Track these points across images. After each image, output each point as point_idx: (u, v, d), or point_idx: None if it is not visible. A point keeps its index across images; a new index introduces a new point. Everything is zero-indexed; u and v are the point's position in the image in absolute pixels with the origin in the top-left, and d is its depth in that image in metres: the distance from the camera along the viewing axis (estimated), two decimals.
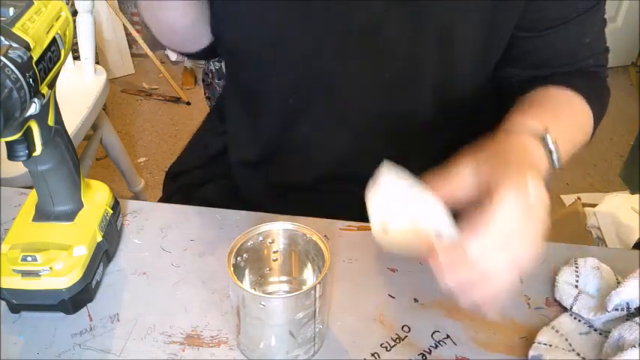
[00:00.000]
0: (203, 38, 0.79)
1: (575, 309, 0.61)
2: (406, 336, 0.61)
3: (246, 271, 0.61)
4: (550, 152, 0.60)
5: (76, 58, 1.68)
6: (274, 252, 0.61)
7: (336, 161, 0.80)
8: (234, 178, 0.88)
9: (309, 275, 0.62)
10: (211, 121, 0.98)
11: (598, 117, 0.75)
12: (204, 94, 1.48)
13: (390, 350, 0.59)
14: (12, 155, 0.57)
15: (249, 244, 0.58)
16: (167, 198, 0.94)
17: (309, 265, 0.61)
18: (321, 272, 0.55)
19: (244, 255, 0.59)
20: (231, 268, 0.54)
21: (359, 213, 0.74)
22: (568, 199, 2.10)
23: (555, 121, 0.64)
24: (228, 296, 0.64)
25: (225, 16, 0.74)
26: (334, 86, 0.74)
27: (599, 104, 0.75)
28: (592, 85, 0.75)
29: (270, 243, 0.60)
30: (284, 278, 0.64)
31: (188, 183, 0.93)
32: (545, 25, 0.72)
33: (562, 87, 0.73)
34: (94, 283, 0.63)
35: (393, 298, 0.64)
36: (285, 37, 0.71)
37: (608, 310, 0.59)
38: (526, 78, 0.76)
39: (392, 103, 0.75)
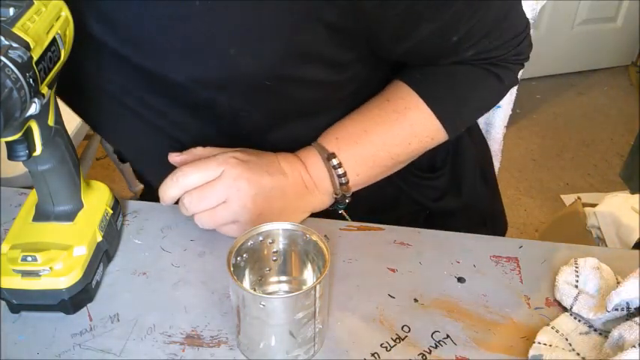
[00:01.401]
0: None
1: (575, 309, 0.61)
2: (406, 336, 0.61)
3: (246, 271, 0.61)
4: (334, 169, 0.70)
5: None
6: (274, 252, 0.61)
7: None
8: None
9: (309, 275, 0.62)
10: None
11: (455, 113, 0.72)
12: None
13: (390, 350, 0.59)
14: (12, 155, 0.57)
15: (249, 244, 0.58)
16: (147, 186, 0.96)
17: (309, 265, 0.61)
18: (321, 272, 0.55)
19: (244, 255, 0.59)
20: (231, 268, 0.54)
21: (358, 213, 0.75)
22: (568, 199, 2.10)
23: (359, 139, 0.70)
24: (228, 296, 0.64)
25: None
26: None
27: (461, 102, 0.73)
28: (460, 80, 0.72)
29: (270, 243, 0.60)
30: (284, 278, 0.64)
31: None
32: (389, 36, 0.66)
33: (408, 88, 0.71)
34: (94, 283, 0.63)
35: (393, 298, 0.64)
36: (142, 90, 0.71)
37: (608, 310, 0.59)
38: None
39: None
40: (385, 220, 0.73)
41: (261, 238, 0.59)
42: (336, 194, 0.72)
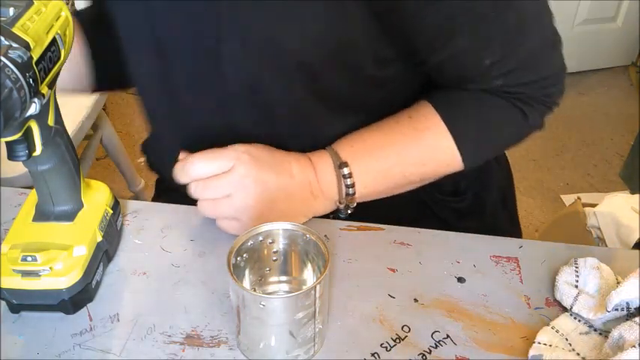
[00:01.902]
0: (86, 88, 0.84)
1: (575, 309, 0.61)
2: (406, 336, 0.61)
3: (246, 271, 0.61)
4: (344, 178, 0.69)
5: None
6: (274, 252, 0.61)
7: None
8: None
9: (309, 275, 0.62)
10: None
11: (474, 142, 0.71)
12: None
13: (390, 350, 0.59)
14: (12, 155, 0.57)
15: (249, 244, 0.58)
16: (158, 195, 0.95)
17: (309, 265, 0.61)
18: (321, 272, 0.55)
19: (244, 255, 0.59)
20: (231, 268, 0.54)
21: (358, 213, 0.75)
22: (568, 199, 2.10)
23: (374, 152, 0.70)
24: (228, 296, 0.64)
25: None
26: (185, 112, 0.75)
27: (479, 134, 0.72)
28: (485, 109, 0.71)
29: (270, 243, 0.60)
30: (284, 278, 0.64)
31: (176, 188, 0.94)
32: (426, 49, 0.66)
33: (432, 109, 0.70)
34: (94, 283, 0.63)
35: (393, 298, 0.64)
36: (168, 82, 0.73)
37: (608, 310, 0.59)
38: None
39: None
40: None
41: (261, 238, 0.59)
42: (340, 203, 0.71)
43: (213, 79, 0.68)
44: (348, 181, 0.69)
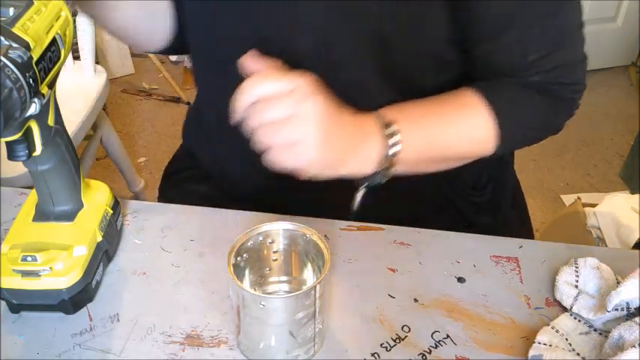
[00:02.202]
0: (157, 36, 0.82)
1: (575, 309, 0.61)
2: (406, 336, 0.61)
3: (247, 271, 0.61)
4: (390, 136, 0.66)
5: (76, 58, 1.68)
6: (274, 252, 0.61)
7: None
8: (229, 176, 0.88)
9: (309, 275, 0.62)
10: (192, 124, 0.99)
11: (513, 133, 0.73)
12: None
13: (390, 350, 0.59)
14: (12, 155, 0.57)
15: (249, 244, 0.58)
16: (163, 195, 0.94)
17: (309, 265, 0.61)
18: (321, 272, 0.55)
19: (244, 255, 0.59)
20: (232, 268, 0.54)
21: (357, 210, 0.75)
22: (568, 199, 2.10)
23: (420, 120, 0.70)
24: (228, 296, 0.64)
25: (187, 15, 0.76)
26: None
27: (517, 124, 0.74)
28: (519, 98, 0.73)
29: (270, 243, 0.60)
30: (284, 278, 0.64)
31: (184, 178, 0.93)
32: (478, 37, 0.69)
33: (475, 92, 0.72)
34: (94, 283, 0.63)
35: (393, 298, 0.64)
36: (235, 38, 0.72)
37: (608, 310, 0.59)
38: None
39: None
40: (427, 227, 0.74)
41: (261, 238, 0.59)
42: (380, 165, 0.68)
43: (285, 35, 0.69)
44: (395, 139, 0.66)
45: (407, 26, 0.68)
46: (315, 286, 0.53)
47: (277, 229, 0.59)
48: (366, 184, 0.70)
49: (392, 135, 0.66)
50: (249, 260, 0.60)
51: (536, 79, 0.71)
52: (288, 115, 0.60)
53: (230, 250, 0.56)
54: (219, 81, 0.76)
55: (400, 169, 0.69)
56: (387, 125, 0.67)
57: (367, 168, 0.67)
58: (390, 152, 0.67)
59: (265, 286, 0.64)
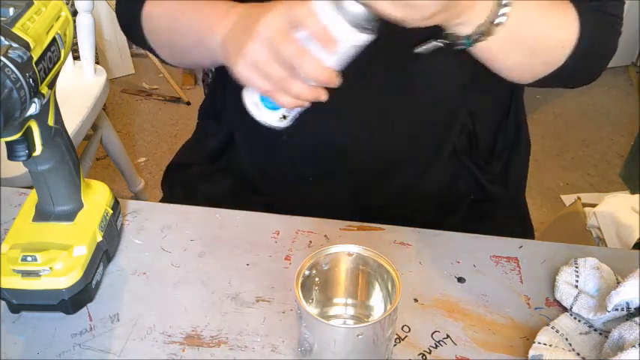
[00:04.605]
0: None
1: (575, 309, 0.61)
2: (406, 336, 0.61)
3: (313, 292, 0.59)
4: (499, 6, 0.64)
5: (76, 58, 1.68)
6: (340, 274, 0.59)
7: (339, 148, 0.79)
8: (240, 173, 0.88)
9: (376, 300, 0.60)
10: (205, 119, 0.99)
11: (586, 37, 0.75)
12: (205, 94, 1.48)
13: None
14: (12, 155, 0.57)
15: (318, 266, 0.56)
16: (167, 192, 0.94)
17: (376, 288, 0.59)
18: (391, 300, 0.55)
19: (306, 273, 0.56)
20: (299, 291, 0.52)
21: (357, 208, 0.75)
22: (568, 199, 2.10)
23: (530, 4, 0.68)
24: (228, 296, 0.64)
25: None
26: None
27: (596, 29, 0.78)
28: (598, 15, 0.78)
29: (335, 266, 0.58)
30: (350, 301, 0.62)
31: (187, 177, 0.93)
32: None
33: None
34: (94, 283, 0.63)
35: None
36: None
37: (608, 310, 0.59)
38: None
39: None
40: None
41: (327, 261, 0.57)
42: (478, 28, 0.65)
43: None
44: (505, 10, 0.64)
45: None
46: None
47: (344, 251, 0.57)
48: (447, 42, 0.67)
49: (504, 6, 0.64)
50: (314, 280, 0.58)
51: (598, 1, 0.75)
52: None
53: (298, 272, 0.54)
54: None
55: (491, 44, 0.67)
56: None
57: (472, 21, 0.65)
58: (496, 21, 0.64)
59: (328, 307, 0.61)
